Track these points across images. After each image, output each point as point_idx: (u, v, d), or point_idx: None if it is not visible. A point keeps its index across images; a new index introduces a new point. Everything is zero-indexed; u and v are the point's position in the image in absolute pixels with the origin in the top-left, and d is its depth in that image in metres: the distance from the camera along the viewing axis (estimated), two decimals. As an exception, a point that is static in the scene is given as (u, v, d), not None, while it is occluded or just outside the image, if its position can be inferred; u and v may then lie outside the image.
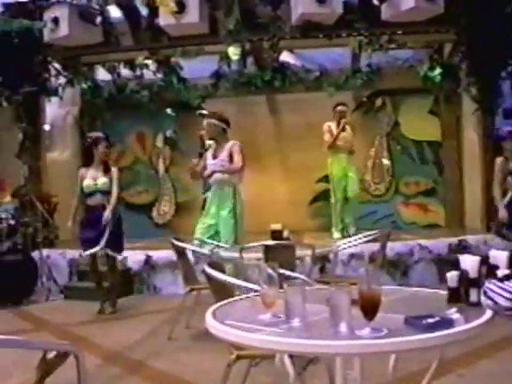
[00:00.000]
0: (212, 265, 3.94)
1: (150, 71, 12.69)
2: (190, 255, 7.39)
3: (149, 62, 12.48)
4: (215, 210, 8.10)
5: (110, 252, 8.43)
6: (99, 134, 8.75)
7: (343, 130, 11.03)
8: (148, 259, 9.92)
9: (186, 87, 12.88)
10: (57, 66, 12.15)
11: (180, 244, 6.89)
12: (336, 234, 11.11)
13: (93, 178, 8.44)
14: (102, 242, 8.27)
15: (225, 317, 2.87)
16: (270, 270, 2.87)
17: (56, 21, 10.47)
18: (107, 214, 8.28)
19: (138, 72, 12.78)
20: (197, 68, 12.51)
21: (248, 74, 12.80)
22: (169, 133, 13.11)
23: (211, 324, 2.80)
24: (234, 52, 11.69)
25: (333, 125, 11.09)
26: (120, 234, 8.68)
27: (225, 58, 12.27)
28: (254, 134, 12.89)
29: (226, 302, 3.28)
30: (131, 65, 12.61)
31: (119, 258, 8.80)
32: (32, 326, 7.90)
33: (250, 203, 11.82)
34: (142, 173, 13.82)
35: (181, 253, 7.02)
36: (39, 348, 2.80)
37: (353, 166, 11.35)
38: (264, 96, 13.45)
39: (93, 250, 8.35)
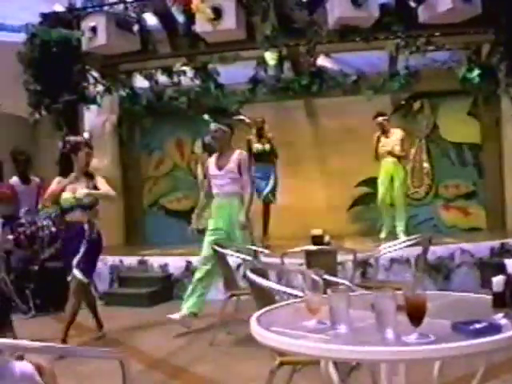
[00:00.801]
0: (254, 271, 3.93)
1: (188, 78, 12.73)
2: (230, 261, 7.38)
3: (186, 68, 12.53)
4: (224, 225, 7.75)
5: (77, 274, 7.09)
6: (79, 139, 7.68)
7: (386, 136, 11.23)
8: (188, 265, 9.94)
9: (223, 93, 12.90)
10: (95, 74, 12.25)
11: (221, 250, 6.89)
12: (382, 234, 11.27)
13: (72, 190, 7.19)
14: (75, 260, 7.09)
15: (269, 323, 2.86)
16: (314, 276, 2.85)
17: (94, 30, 10.56)
18: (86, 192, 7.12)
19: (176, 79, 12.83)
20: (234, 74, 12.52)
21: (285, 79, 12.77)
22: (207, 139, 13.10)
23: (256, 330, 2.79)
24: (271, 57, 11.70)
25: (378, 134, 11.34)
26: (92, 253, 7.33)
27: (262, 63, 12.28)
28: (292, 139, 12.89)
29: (269, 308, 3.26)
30: (169, 72, 12.67)
31: (84, 280, 7.22)
32: (74, 332, 7.94)
33: (289, 208, 11.86)
34: (181, 179, 13.87)
35: (222, 258, 7.02)
36: (85, 355, 2.80)
37: (400, 170, 11.38)
38: (302, 101, 13.44)
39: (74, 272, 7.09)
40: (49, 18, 11.59)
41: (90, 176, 7.37)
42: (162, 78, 12.95)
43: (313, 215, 11.86)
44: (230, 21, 10.05)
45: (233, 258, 7.26)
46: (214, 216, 7.87)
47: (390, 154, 11.22)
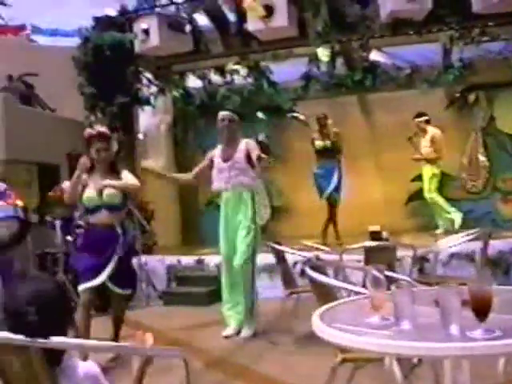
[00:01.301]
0: (315, 268, 3.92)
1: (241, 76, 12.78)
2: (289, 259, 7.36)
3: (239, 67, 12.57)
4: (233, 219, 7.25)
5: (114, 288, 6.37)
6: (91, 131, 6.46)
7: (423, 137, 11.47)
8: (244, 264, 9.95)
9: (276, 91, 12.91)
10: (148, 75, 12.36)
11: (279, 248, 6.88)
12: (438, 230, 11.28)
13: (96, 188, 6.31)
14: (104, 274, 6.22)
15: (332, 320, 2.85)
16: (375, 272, 2.83)
17: (146, 32, 10.67)
18: (109, 182, 6.32)
19: (229, 78, 12.89)
20: (286, 71, 12.54)
21: (338, 75, 12.72)
22: (261, 137, 13.13)
23: (319, 327, 2.78)
24: (323, 53, 11.67)
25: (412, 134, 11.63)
26: (129, 263, 6.68)
27: (314, 59, 12.25)
28: (346, 135, 12.78)
29: (332, 304, 3.25)
30: (221, 71, 12.74)
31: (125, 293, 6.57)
32: (133, 332, 8.00)
33: (345, 204, 11.79)
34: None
35: (280, 256, 7.02)
36: (150, 354, 2.82)
37: (428, 170, 11.43)
38: (355, 96, 13.37)
39: (94, 283, 6.15)
40: (101, 22, 11.73)
41: (116, 172, 6.48)
42: (215, 78, 13.01)
43: (369, 211, 11.80)
44: (281, 18, 10.04)
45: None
46: (222, 213, 7.35)
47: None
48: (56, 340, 2.45)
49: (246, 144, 7.17)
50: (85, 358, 2.79)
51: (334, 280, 3.99)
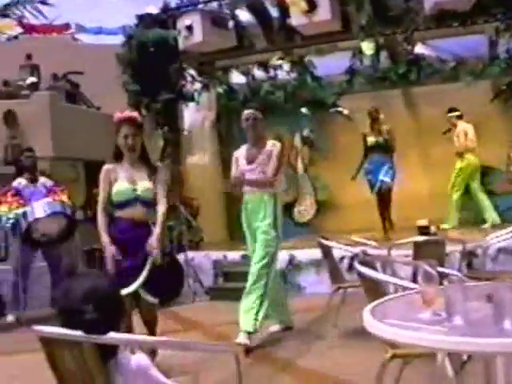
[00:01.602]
0: (364, 263, 3.91)
1: (284, 71, 12.76)
2: (336, 254, 7.35)
3: (282, 62, 12.56)
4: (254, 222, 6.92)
5: (143, 293, 5.65)
6: (120, 115, 5.71)
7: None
8: (292, 258, 9.94)
9: (320, 85, 12.88)
10: (192, 72, 12.41)
11: (326, 242, 6.87)
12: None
13: (130, 179, 5.68)
14: (139, 280, 5.52)
15: (383, 315, 2.83)
16: (428, 268, 2.81)
17: (190, 28, 10.72)
18: (154, 242, 5.57)
19: (272, 73, 12.88)
20: (330, 65, 12.50)
21: (382, 69, 12.66)
22: (306, 132, 13.10)
23: (370, 323, 2.77)
24: (367, 47, 11.60)
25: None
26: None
27: (357, 53, 12.19)
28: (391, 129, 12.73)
29: (381, 300, 3.23)
30: (265, 66, 12.73)
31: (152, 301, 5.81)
32: (181, 327, 8.07)
33: (397, 201, 11.70)
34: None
35: (327, 251, 7.01)
36: (201, 349, 2.85)
37: (458, 163, 11.47)
38: (399, 90, 13.26)
39: (130, 290, 5.42)
40: (144, 19, 11.82)
41: (149, 165, 5.83)
42: (259, 73, 13.01)
43: (416, 205, 11.70)
44: (324, 12, 10.02)
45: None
46: (243, 216, 7.13)
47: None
48: (113, 336, 2.49)
49: (272, 146, 6.83)
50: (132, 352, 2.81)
51: (384, 275, 3.96)
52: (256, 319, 6.46)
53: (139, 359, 2.66)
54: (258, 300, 6.60)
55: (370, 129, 11.30)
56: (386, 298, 3.32)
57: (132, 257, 5.54)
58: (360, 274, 3.89)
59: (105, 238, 5.50)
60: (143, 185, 5.64)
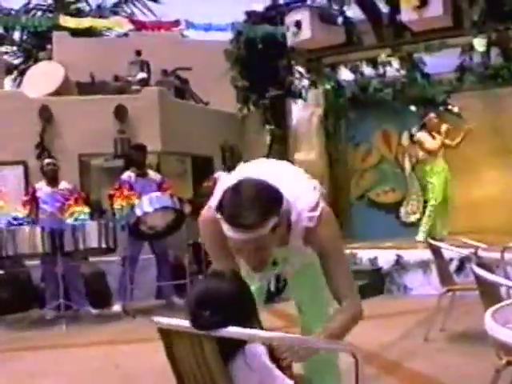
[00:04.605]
0: (481, 265, 3.77)
1: (393, 68, 12.58)
2: (446, 255, 7.18)
3: (391, 59, 12.37)
4: None
5: None
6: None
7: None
8: (399, 259, 9.80)
9: (430, 83, 12.63)
10: (300, 68, 12.39)
11: (436, 243, 6.72)
12: None
13: None
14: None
15: (506, 320, 2.72)
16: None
17: (298, 24, 10.70)
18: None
19: (381, 70, 12.72)
20: (439, 62, 12.24)
21: (494, 66, 12.28)
22: (414, 130, 12.88)
23: (492, 328, 2.66)
24: (479, 43, 11.28)
25: None
26: None
27: (468, 50, 11.88)
28: (502, 129, 12.35)
29: (502, 304, 3.11)
30: (373, 63, 12.57)
31: None
32: (284, 323, 8.04)
33: (498, 200, 11.40)
34: (389, 172, 13.62)
35: (437, 252, 6.85)
36: (319, 346, 2.81)
37: None
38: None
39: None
40: (253, 16, 11.87)
41: None
42: (367, 70, 12.87)
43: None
44: (435, 8, 9.85)
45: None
46: None
47: None
48: (230, 330, 2.49)
49: None
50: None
51: (504, 279, 3.82)
52: None
53: (254, 347, 2.62)
54: None
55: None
56: (505, 302, 3.20)
57: None
58: (477, 277, 3.75)
59: None
60: None
